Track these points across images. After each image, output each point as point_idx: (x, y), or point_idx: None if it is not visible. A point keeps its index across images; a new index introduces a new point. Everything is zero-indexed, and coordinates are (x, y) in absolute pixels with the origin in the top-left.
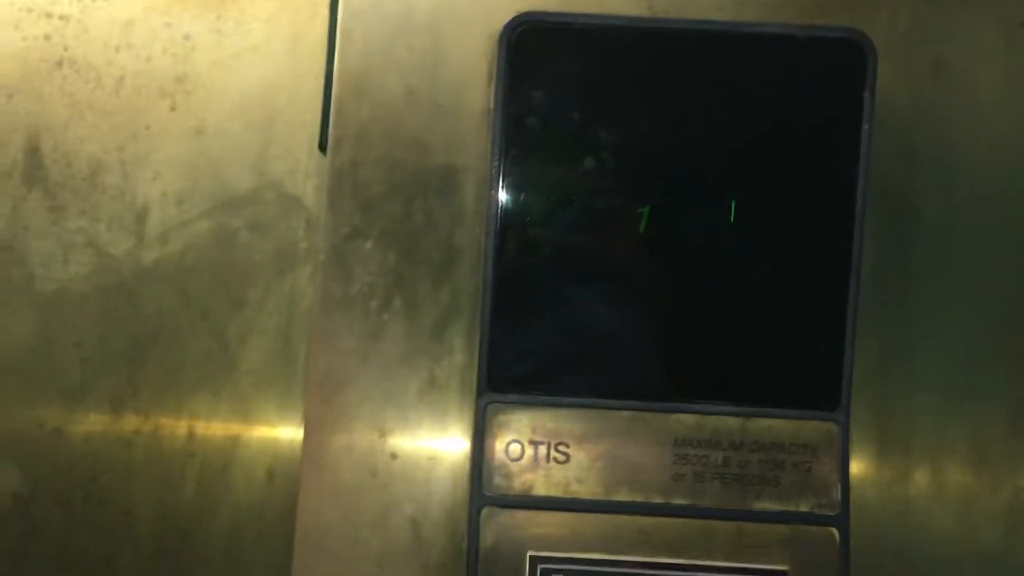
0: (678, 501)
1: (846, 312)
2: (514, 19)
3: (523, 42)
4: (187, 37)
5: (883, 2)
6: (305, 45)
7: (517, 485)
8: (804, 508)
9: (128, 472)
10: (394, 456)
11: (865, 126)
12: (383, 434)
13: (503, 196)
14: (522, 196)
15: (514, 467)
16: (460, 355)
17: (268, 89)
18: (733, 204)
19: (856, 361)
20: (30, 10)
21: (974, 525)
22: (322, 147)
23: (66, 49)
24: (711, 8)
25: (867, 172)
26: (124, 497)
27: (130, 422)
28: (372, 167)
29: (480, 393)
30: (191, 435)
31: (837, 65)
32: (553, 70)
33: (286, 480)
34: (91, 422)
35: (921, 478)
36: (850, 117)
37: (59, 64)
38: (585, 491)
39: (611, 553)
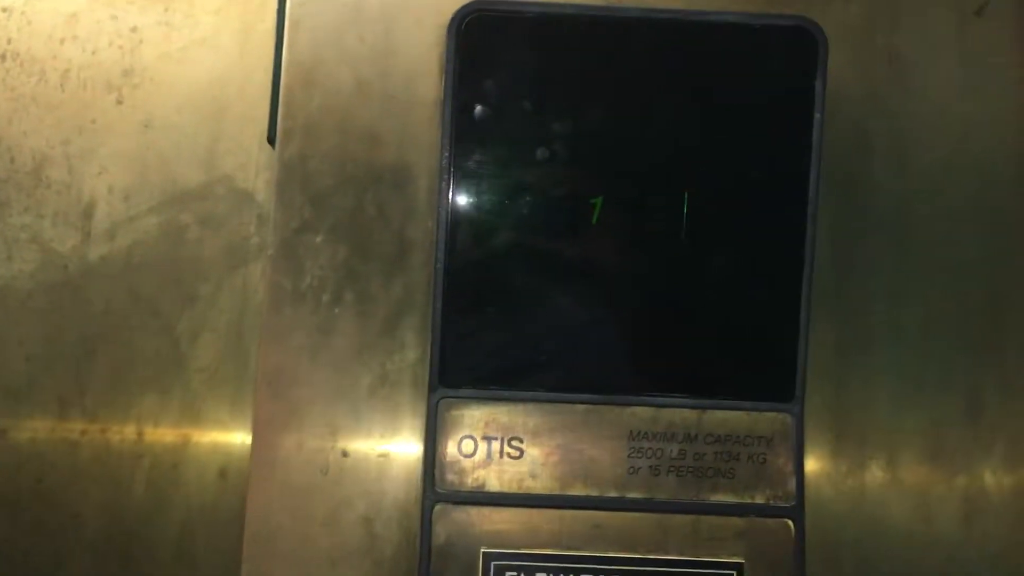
0: (633, 495)
1: (800, 303)
2: (463, 7)
3: (472, 31)
4: (134, 29)
5: None
6: (255, 37)
7: (470, 481)
8: (759, 500)
9: (75, 473)
10: (345, 454)
11: (817, 115)
12: (334, 431)
13: (454, 188)
14: (473, 188)
15: (467, 463)
16: (412, 350)
17: (217, 82)
18: (686, 195)
19: (811, 352)
20: None
21: (929, 515)
22: (271, 140)
23: (9, 42)
24: None
25: (819, 162)
26: (71, 498)
27: (77, 422)
28: (322, 160)
29: (432, 388)
30: (140, 435)
31: (789, 54)
32: (504, 59)
33: (240, 479)
34: (37, 422)
35: (876, 469)
36: (802, 106)
37: (2, 57)
38: (539, 486)
39: (565, 548)
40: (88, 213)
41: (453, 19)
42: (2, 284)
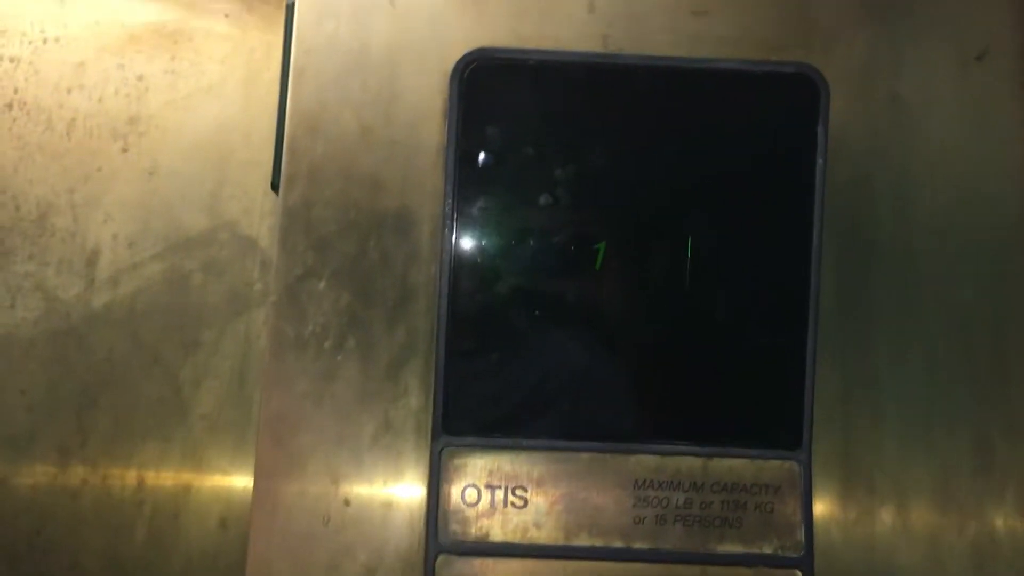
0: (639, 545)
1: (805, 350)
2: (466, 55)
3: (475, 78)
4: (140, 78)
5: (837, 38)
6: (260, 84)
7: (473, 531)
8: (767, 550)
9: (75, 522)
10: (347, 502)
11: (819, 160)
12: (336, 479)
13: (457, 233)
14: (476, 233)
15: (470, 512)
16: (415, 397)
17: (222, 129)
18: (690, 240)
19: (817, 398)
20: None
21: (940, 563)
22: (274, 186)
23: (16, 91)
24: (666, 44)
25: (823, 206)
26: (71, 548)
27: (78, 471)
28: (325, 206)
29: (435, 436)
30: (141, 483)
31: (791, 100)
32: (506, 106)
33: (240, 527)
34: (37, 472)
35: (885, 516)
36: (805, 151)
37: (8, 106)
38: (543, 536)
39: None
40: (92, 260)
41: (456, 66)
42: (5, 332)
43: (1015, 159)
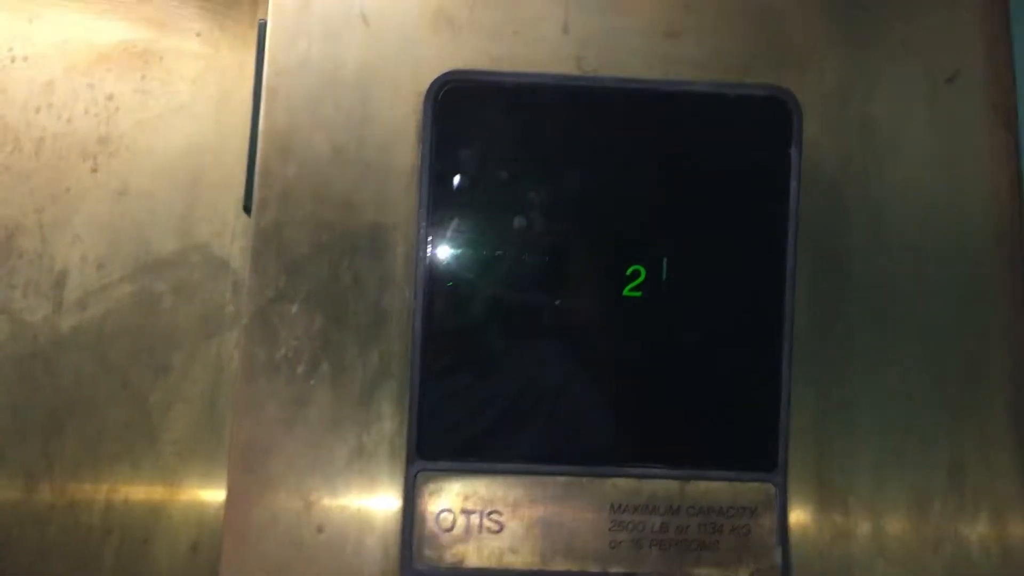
0: (616, 569)
1: (780, 372)
2: (440, 77)
3: (450, 100)
4: (110, 97)
5: (809, 61)
6: (232, 105)
7: (448, 556)
8: (744, 572)
9: (41, 549)
10: (320, 529)
11: (793, 182)
12: (309, 505)
13: (431, 255)
14: (450, 255)
15: (445, 538)
16: (389, 421)
17: (194, 149)
18: (664, 263)
19: (793, 420)
20: None
21: None
22: (247, 208)
23: None
24: (640, 66)
25: (797, 229)
26: (37, 574)
27: (44, 496)
28: (298, 228)
29: (410, 460)
30: (109, 509)
31: (763, 122)
32: (480, 128)
33: (212, 553)
34: (2, 497)
35: (861, 536)
36: (778, 173)
37: None
38: (520, 561)
39: None
40: (60, 282)
41: (430, 88)
42: None
43: (986, 179)
